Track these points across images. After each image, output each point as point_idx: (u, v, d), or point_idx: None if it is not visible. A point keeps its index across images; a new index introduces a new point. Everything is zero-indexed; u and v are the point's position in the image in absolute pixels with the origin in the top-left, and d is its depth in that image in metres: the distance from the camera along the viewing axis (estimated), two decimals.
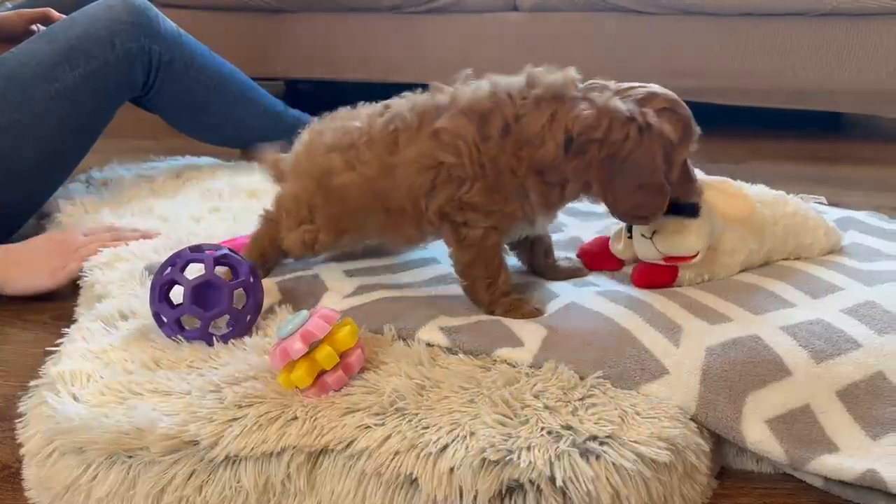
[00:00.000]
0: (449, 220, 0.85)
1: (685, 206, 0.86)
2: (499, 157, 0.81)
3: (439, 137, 0.82)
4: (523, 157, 0.80)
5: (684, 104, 0.83)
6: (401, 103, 0.89)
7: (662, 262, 0.90)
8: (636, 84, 0.83)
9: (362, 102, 0.95)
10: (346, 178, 0.87)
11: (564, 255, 1.00)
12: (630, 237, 0.92)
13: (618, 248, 0.96)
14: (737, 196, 0.90)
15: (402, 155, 0.84)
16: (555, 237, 1.02)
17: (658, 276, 0.90)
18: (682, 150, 0.82)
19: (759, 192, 0.99)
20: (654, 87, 0.82)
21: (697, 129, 0.83)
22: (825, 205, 1.25)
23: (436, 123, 0.83)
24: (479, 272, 0.86)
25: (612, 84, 0.83)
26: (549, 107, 0.80)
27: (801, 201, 1.01)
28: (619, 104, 0.79)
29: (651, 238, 0.88)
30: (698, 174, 0.89)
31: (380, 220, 0.89)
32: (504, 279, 0.86)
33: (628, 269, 0.95)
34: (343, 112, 0.95)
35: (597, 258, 0.99)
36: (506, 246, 0.98)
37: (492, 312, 0.85)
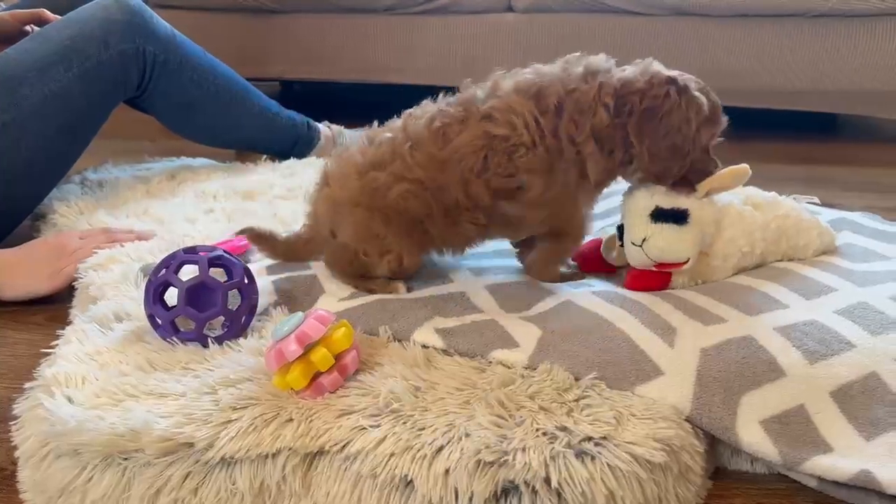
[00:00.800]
0: (503, 195, 0.86)
1: (674, 213, 0.87)
2: (558, 127, 0.85)
3: (492, 117, 0.85)
4: (582, 125, 0.84)
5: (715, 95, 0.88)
6: (430, 106, 0.91)
7: (654, 269, 0.90)
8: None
9: (373, 123, 0.94)
10: (399, 189, 0.87)
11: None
12: (622, 245, 0.92)
13: (611, 255, 0.96)
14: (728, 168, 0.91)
15: (454, 145, 0.85)
16: None
17: (651, 281, 0.90)
18: (708, 128, 0.87)
19: (751, 194, 0.99)
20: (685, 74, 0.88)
21: (725, 118, 0.89)
22: (819, 205, 1.26)
23: (485, 106, 0.86)
24: (569, 210, 0.90)
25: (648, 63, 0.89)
26: (594, 79, 0.85)
27: (795, 203, 1.02)
28: (661, 67, 0.87)
29: (641, 245, 0.88)
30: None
31: (440, 223, 0.89)
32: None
33: (621, 272, 0.96)
34: (350, 144, 0.94)
35: (590, 261, 0.99)
36: (513, 248, 0.99)
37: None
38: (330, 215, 0.93)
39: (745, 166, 0.89)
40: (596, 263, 0.98)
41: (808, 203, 1.13)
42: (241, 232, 1.00)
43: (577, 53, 0.89)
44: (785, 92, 2.04)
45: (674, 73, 0.86)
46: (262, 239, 1.00)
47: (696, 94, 0.85)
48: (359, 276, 0.92)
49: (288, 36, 2.23)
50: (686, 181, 0.88)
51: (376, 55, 2.21)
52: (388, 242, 0.89)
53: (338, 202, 0.91)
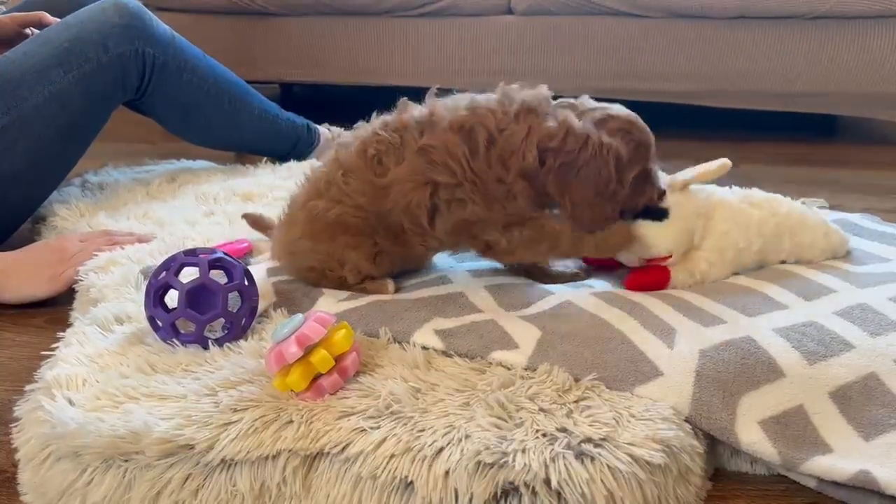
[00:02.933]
0: (469, 241, 0.90)
1: (653, 210, 0.89)
2: (487, 169, 0.84)
3: (428, 155, 0.84)
4: (511, 166, 0.84)
5: (643, 127, 0.88)
6: (362, 130, 0.91)
7: (643, 265, 0.92)
8: (602, 105, 0.88)
9: (374, 114, 0.94)
10: (337, 210, 0.89)
11: (563, 264, 1.01)
12: None
13: None
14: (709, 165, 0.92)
15: (395, 176, 0.86)
16: None
17: (650, 279, 0.91)
18: (631, 168, 0.86)
19: (750, 193, 0.99)
20: (615, 109, 0.87)
21: (651, 149, 0.88)
22: (826, 208, 1.26)
23: (422, 140, 0.85)
24: (536, 252, 0.91)
25: (582, 102, 0.89)
26: (525, 120, 0.84)
27: (800, 204, 1.01)
28: (576, 121, 0.85)
29: None
30: (673, 176, 0.93)
31: (388, 243, 0.91)
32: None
33: (625, 268, 0.96)
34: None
35: (596, 259, 1.00)
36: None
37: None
38: (286, 258, 0.96)
39: (721, 161, 0.93)
40: (601, 261, 1.00)
41: (819, 207, 1.12)
42: (243, 216, 1.10)
43: (516, 85, 0.88)
44: (784, 94, 2.04)
45: (595, 118, 0.86)
46: (259, 224, 1.08)
47: (611, 140, 0.84)
48: (339, 287, 0.94)
49: (287, 38, 2.23)
50: (647, 210, 0.89)
51: (376, 58, 2.21)
52: (342, 257, 0.91)
53: (290, 245, 0.95)
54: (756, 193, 1.00)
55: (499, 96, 0.87)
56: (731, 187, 1.01)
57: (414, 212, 0.86)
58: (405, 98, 0.91)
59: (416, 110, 0.89)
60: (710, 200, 0.94)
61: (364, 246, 0.91)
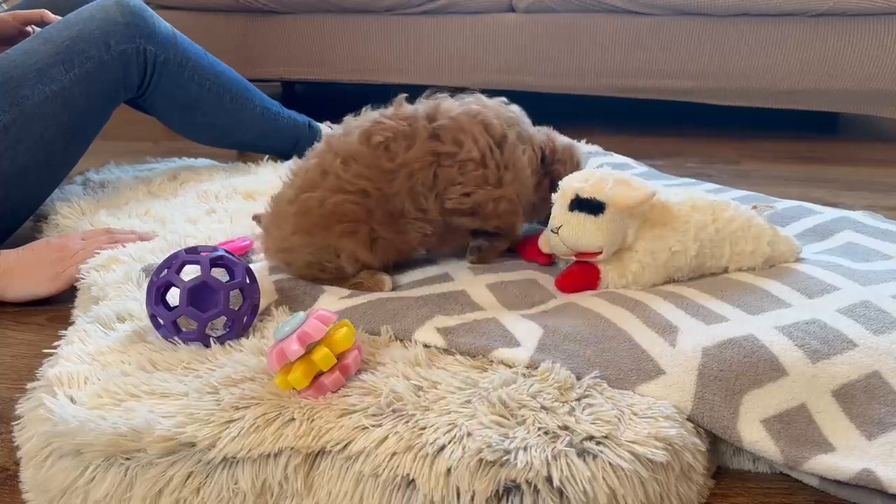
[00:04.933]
0: (457, 213, 0.95)
1: (590, 203, 0.88)
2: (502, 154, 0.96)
3: (439, 135, 0.91)
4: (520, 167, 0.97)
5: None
6: (353, 122, 0.95)
7: (573, 258, 0.93)
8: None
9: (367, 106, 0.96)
10: (335, 199, 0.90)
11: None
12: (553, 231, 0.93)
13: (541, 242, 0.98)
14: (636, 188, 0.89)
15: (404, 158, 0.89)
16: None
17: (579, 279, 0.92)
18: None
19: (693, 195, 0.97)
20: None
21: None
22: (774, 210, 1.20)
23: (434, 123, 0.92)
24: (514, 219, 0.99)
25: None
26: (535, 141, 1.01)
27: (746, 210, 0.98)
28: (560, 136, 1.04)
29: (557, 232, 0.90)
30: (604, 170, 0.95)
31: (385, 228, 0.92)
32: None
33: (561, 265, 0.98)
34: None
35: (529, 251, 1.02)
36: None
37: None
38: (280, 257, 0.96)
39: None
40: (533, 252, 1.01)
41: (767, 214, 1.06)
42: (254, 218, 1.11)
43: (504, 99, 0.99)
44: (786, 91, 2.04)
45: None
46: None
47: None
48: (336, 280, 0.94)
49: (289, 36, 2.22)
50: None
51: (377, 55, 2.21)
52: (338, 246, 0.92)
53: (283, 242, 0.94)
54: (701, 196, 0.97)
55: (494, 106, 0.97)
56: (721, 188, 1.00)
57: (418, 191, 0.91)
58: (403, 94, 0.94)
59: (419, 104, 0.93)
60: (650, 201, 0.91)
61: (361, 232, 0.91)
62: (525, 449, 0.62)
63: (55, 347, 0.83)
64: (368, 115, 0.94)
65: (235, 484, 0.64)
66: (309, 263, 0.93)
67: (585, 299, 0.87)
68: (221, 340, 0.81)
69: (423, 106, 0.94)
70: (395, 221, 0.92)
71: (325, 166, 0.91)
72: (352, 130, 0.92)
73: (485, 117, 0.93)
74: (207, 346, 0.80)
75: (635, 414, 0.67)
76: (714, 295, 0.86)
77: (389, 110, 0.94)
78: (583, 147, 1.76)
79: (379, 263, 0.94)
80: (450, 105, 0.94)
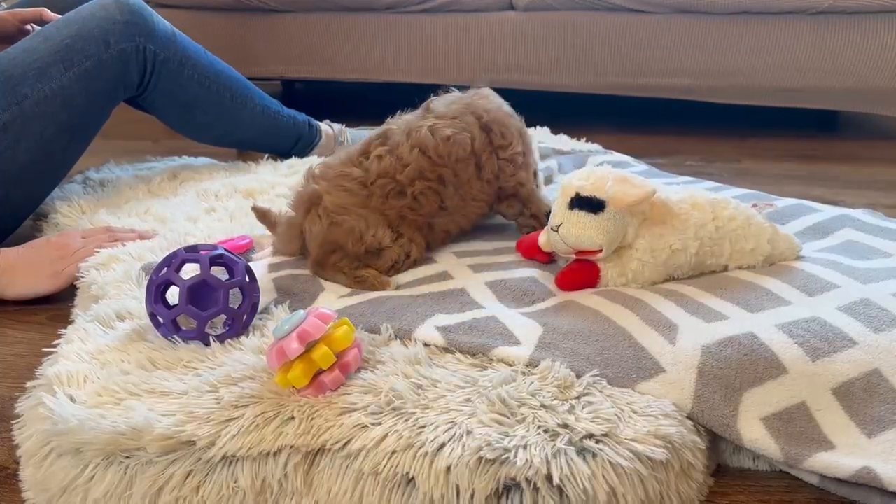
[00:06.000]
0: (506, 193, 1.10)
1: (590, 202, 0.88)
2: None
3: (491, 129, 1.06)
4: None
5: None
6: (411, 118, 1.05)
7: (573, 256, 0.92)
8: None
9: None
10: (419, 186, 0.98)
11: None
12: (553, 230, 0.93)
13: (542, 240, 0.97)
14: (637, 186, 0.89)
15: (455, 137, 1.01)
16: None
17: (579, 277, 0.92)
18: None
19: (693, 193, 0.96)
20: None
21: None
22: (775, 208, 1.19)
23: (485, 119, 1.06)
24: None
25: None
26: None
27: (746, 208, 0.97)
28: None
29: (557, 230, 0.90)
30: (603, 168, 0.94)
31: (455, 201, 1.02)
32: None
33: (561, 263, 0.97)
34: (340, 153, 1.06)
35: (529, 249, 1.02)
36: None
37: None
38: (324, 225, 0.97)
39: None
40: (533, 250, 1.01)
41: (767, 213, 1.05)
42: (252, 208, 1.13)
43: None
44: (786, 89, 2.03)
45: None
46: (267, 218, 1.11)
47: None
48: (359, 257, 0.96)
49: (289, 35, 2.22)
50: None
51: (377, 54, 2.21)
52: (402, 230, 0.99)
53: (338, 207, 0.97)
54: (701, 194, 0.96)
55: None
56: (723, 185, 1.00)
57: (484, 178, 1.04)
58: (438, 91, 1.08)
59: (452, 103, 1.06)
60: (650, 199, 0.90)
61: (423, 230, 1.01)
62: (525, 447, 0.62)
63: (55, 346, 0.83)
64: (404, 117, 1.05)
65: (235, 482, 0.64)
66: (353, 229, 0.96)
67: (585, 297, 0.87)
68: (221, 339, 0.81)
69: (454, 104, 1.05)
70: (464, 205, 1.04)
71: (402, 155, 0.99)
72: (413, 125, 1.01)
73: (508, 110, 1.08)
74: (207, 344, 0.80)
75: (635, 412, 0.67)
76: (714, 293, 0.86)
77: (432, 110, 1.05)
78: (583, 145, 1.76)
79: (415, 264, 1.00)
80: (481, 101, 1.07)
